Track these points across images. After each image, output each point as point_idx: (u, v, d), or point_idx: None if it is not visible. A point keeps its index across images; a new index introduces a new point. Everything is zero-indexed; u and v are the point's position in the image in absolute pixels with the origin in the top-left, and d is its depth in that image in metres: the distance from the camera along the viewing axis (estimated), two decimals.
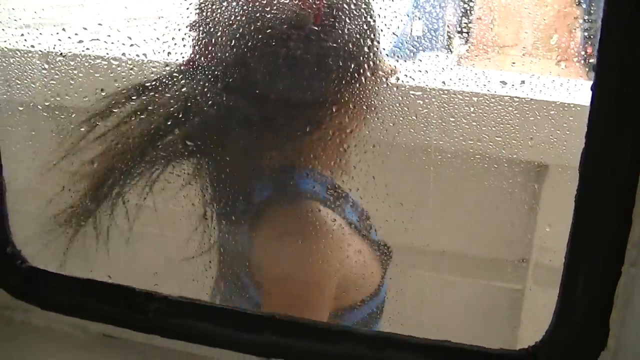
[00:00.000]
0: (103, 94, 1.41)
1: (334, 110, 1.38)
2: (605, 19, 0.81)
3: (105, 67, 1.51)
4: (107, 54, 1.52)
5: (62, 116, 1.58)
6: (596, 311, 0.91)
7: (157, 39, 1.40)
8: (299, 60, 1.33)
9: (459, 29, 1.73)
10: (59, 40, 1.52)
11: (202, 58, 1.38)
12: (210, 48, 1.37)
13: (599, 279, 0.91)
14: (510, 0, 1.88)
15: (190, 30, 1.38)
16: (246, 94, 1.38)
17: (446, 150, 1.71)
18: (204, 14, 1.38)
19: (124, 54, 1.47)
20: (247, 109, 1.39)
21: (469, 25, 1.75)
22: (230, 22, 1.34)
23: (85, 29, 1.51)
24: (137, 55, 1.48)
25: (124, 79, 1.46)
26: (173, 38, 1.39)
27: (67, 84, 1.57)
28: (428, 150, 1.67)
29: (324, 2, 1.31)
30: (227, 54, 1.36)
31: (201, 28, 1.38)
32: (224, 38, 1.35)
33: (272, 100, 1.36)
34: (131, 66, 1.47)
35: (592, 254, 0.91)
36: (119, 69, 1.49)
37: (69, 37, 1.50)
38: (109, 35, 1.50)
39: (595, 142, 0.87)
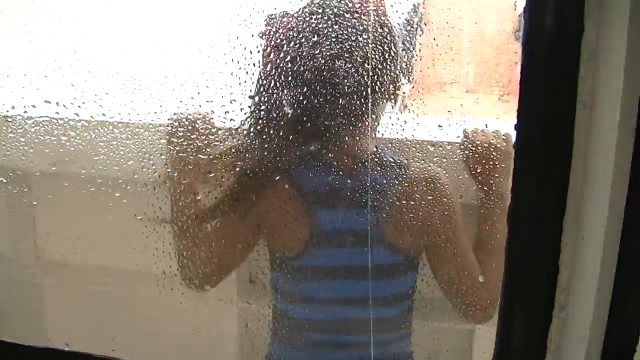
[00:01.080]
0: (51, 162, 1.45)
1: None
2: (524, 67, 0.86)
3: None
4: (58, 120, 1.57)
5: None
6: (531, 355, 0.95)
7: (104, 114, 1.46)
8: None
9: (402, 70, 1.76)
10: (7, 111, 1.56)
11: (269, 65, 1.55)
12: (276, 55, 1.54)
13: (532, 324, 0.94)
14: (450, 38, 1.90)
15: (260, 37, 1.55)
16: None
17: None
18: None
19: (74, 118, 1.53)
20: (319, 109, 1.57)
21: (411, 65, 1.78)
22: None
23: (34, 106, 1.57)
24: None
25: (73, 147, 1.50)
26: (119, 113, 1.44)
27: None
28: None
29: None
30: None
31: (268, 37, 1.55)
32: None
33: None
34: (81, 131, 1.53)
35: (524, 300, 0.94)
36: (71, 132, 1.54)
37: (19, 115, 1.55)
38: (57, 113, 1.55)
39: (519, 192, 0.91)
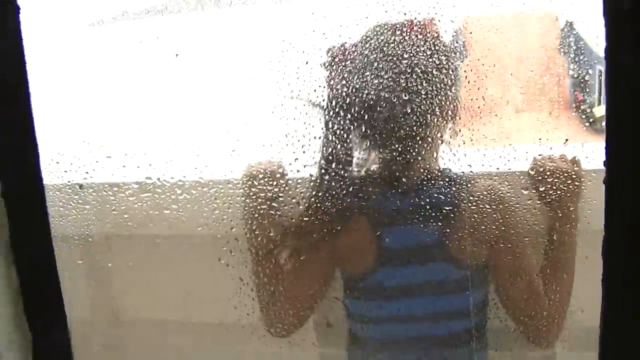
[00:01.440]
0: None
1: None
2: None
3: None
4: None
5: None
6: None
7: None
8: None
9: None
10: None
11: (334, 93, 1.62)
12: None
13: (634, 351, 0.95)
14: (495, 60, 1.90)
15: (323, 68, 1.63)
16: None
17: None
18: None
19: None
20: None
21: (457, 90, 1.79)
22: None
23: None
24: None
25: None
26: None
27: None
28: None
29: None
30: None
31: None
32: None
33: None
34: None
35: (624, 328, 0.95)
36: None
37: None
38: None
39: (612, 226, 0.92)
